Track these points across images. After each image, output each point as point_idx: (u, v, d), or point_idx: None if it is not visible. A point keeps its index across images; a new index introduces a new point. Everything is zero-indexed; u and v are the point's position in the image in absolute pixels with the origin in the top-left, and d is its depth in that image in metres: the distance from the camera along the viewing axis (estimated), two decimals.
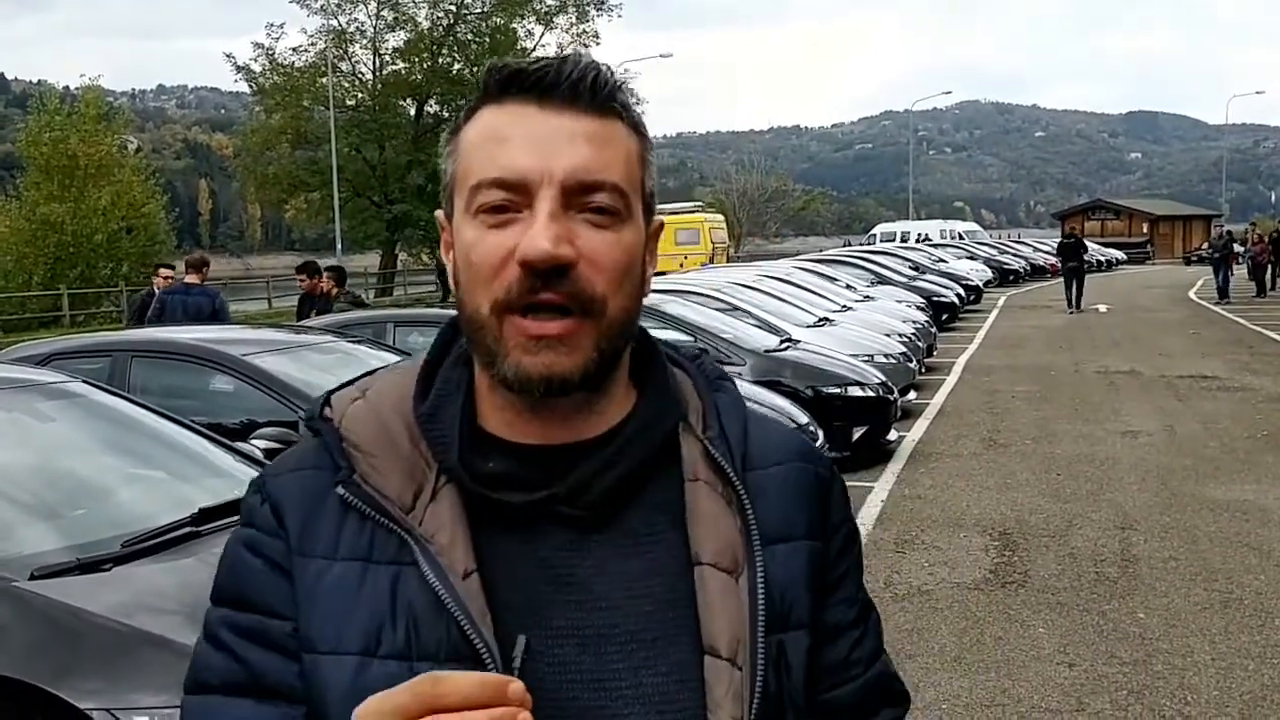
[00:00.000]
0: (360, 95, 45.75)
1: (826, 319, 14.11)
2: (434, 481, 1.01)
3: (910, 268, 27.03)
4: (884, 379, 10.61)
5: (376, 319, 9.55)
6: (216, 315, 10.47)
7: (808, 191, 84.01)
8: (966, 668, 5.41)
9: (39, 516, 3.95)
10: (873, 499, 8.74)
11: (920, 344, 15.50)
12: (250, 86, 46.10)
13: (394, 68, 46.28)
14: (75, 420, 4.62)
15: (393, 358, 6.54)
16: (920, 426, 11.81)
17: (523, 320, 0.96)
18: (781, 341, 11.04)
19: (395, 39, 45.99)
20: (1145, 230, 64.88)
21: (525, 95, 1.00)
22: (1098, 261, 43.22)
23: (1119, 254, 53.27)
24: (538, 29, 46.88)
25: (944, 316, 22.69)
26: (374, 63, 46.16)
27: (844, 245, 50.00)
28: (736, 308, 12.29)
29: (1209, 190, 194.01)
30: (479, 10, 46.16)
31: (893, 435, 10.56)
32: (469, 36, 45.96)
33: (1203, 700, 4.98)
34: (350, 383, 1.11)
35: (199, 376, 6.47)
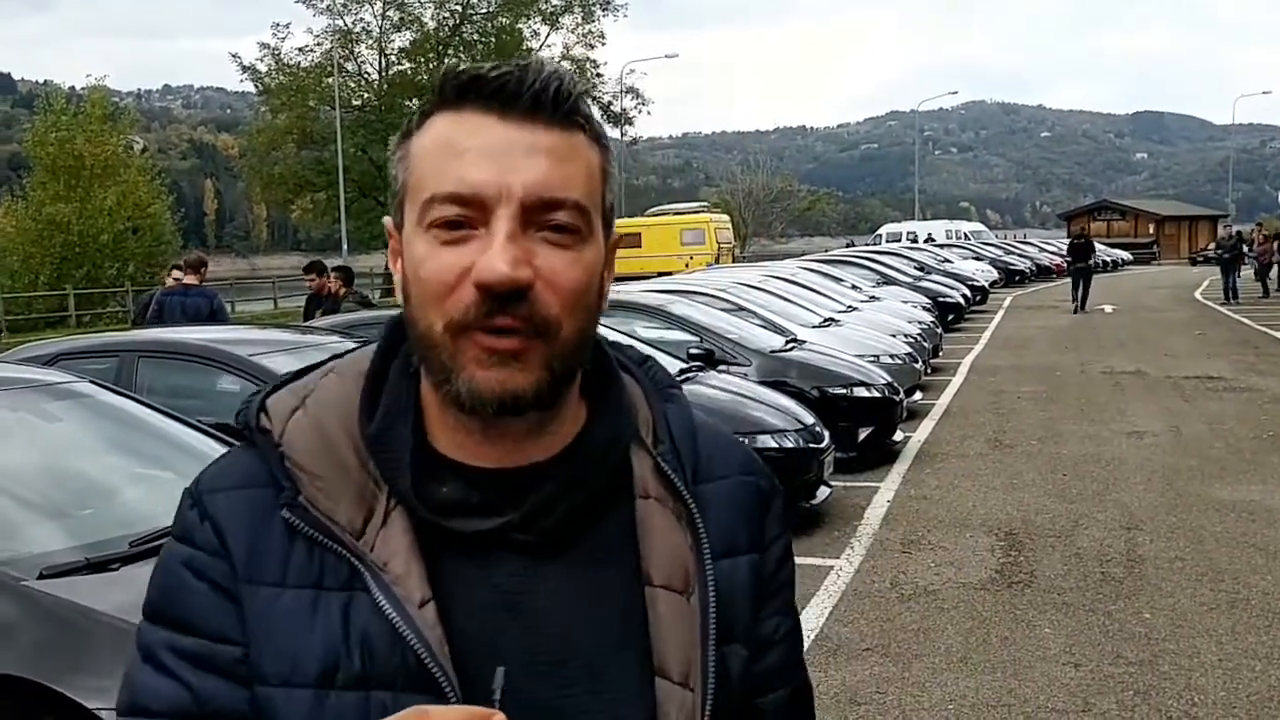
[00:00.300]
0: (366, 95, 45.85)
1: (832, 319, 14.09)
2: (385, 505, 0.98)
3: (916, 268, 27.00)
4: (890, 379, 10.60)
5: (383, 319, 9.53)
6: (215, 316, 10.46)
7: (813, 192, 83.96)
8: (973, 668, 5.41)
9: (47, 516, 3.97)
10: (879, 499, 8.74)
11: (926, 344, 15.47)
12: (256, 86, 46.23)
13: (400, 68, 46.36)
14: (82, 420, 4.63)
15: None
16: (926, 427, 11.80)
17: (478, 337, 0.93)
18: (787, 342, 11.03)
19: (401, 39, 46.16)
20: (1151, 231, 64.77)
21: (485, 104, 0.95)
22: (1103, 262, 43.13)
23: (1125, 254, 53.17)
24: (543, 29, 46.99)
25: (950, 317, 22.65)
26: (380, 63, 46.30)
27: (846, 246, 49.91)
28: (742, 308, 12.28)
29: (1215, 191, 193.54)
30: (485, 10, 46.28)
31: (899, 436, 10.55)
32: (475, 37, 46.05)
33: (1209, 701, 4.98)
34: (285, 383, 1.06)
35: (206, 377, 6.48)
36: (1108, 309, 27.10)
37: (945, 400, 13.62)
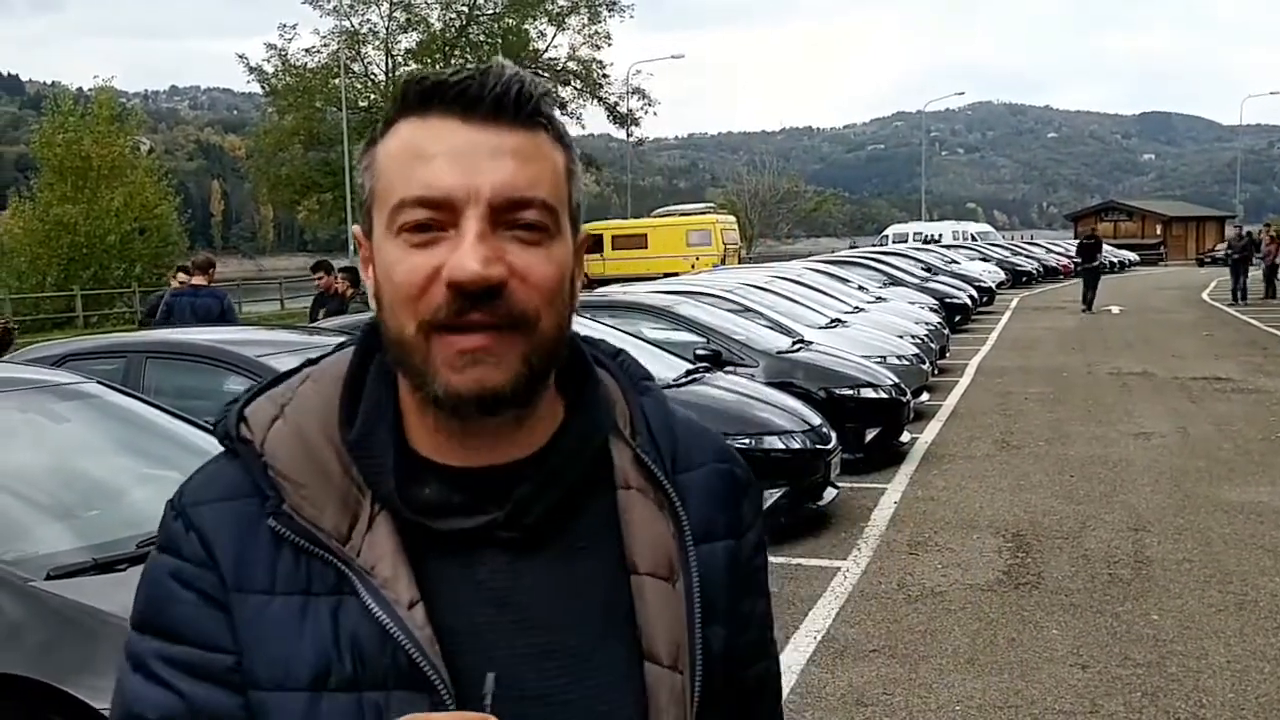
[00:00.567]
0: (373, 96, 45.83)
1: (839, 320, 14.08)
2: (369, 510, 1.00)
3: (923, 269, 26.98)
4: (897, 380, 10.59)
5: None
6: (224, 316, 10.50)
7: (820, 192, 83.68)
8: (980, 669, 5.40)
9: (54, 517, 3.98)
10: (886, 500, 8.73)
11: (933, 345, 15.46)
12: (263, 88, 46.29)
13: (406, 69, 46.30)
14: (90, 421, 4.64)
15: None
16: (933, 428, 11.79)
17: (451, 336, 0.94)
18: (794, 343, 11.02)
19: (408, 40, 46.19)
20: (1158, 231, 64.69)
21: (448, 108, 0.97)
22: (1110, 263, 43.08)
23: (1132, 255, 53.10)
24: (550, 30, 47.00)
25: (957, 318, 22.64)
26: (386, 64, 46.30)
27: (849, 247, 49.84)
28: (748, 309, 12.27)
29: (1223, 191, 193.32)
30: (491, 11, 46.29)
31: (905, 437, 10.55)
32: (481, 38, 46.06)
33: (1217, 703, 4.96)
34: (260, 391, 1.07)
35: (213, 377, 6.47)
36: (1115, 310, 27.06)
37: (952, 401, 13.61)
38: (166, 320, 10.24)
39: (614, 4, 46.60)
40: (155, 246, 36.31)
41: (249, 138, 61.58)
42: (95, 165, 35.30)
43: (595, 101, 48.16)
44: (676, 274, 23.98)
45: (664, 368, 8.24)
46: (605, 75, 48.17)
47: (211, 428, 3.98)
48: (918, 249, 34.69)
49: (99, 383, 4.89)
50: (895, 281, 23.23)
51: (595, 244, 35.41)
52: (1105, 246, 37.62)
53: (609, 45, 47.58)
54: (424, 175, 0.95)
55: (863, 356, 11.29)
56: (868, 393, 10.00)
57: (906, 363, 12.36)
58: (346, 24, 45.02)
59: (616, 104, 48.94)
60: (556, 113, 1.02)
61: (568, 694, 1.00)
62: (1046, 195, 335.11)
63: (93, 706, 2.98)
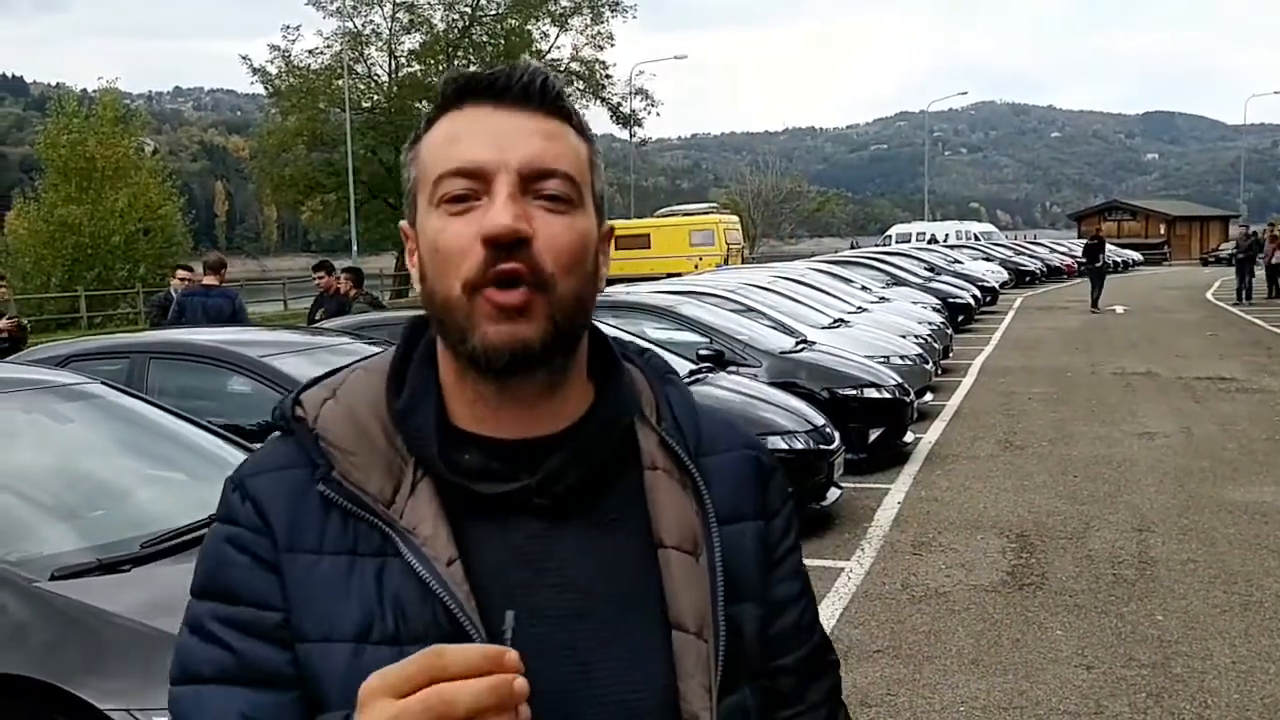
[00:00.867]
0: (376, 97, 45.81)
1: (842, 320, 14.08)
2: (412, 476, 1.07)
3: (926, 269, 26.97)
4: (900, 380, 10.58)
5: (393, 320, 9.56)
6: (235, 316, 10.52)
7: (823, 193, 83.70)
8: (984, 670, 5.40)
9: (59, 517, 3.98)
10: (889, 501, 8.73)
11: (936, 345, 15.45)
12: (266, 89, 46.20)
13: (409, 70, 46.34)
14: (94, 421, 4.65)
15: None
16: (937, 428, 11.78)
17: (490, 291, 1.02)
18: (797, 343, 11.02)
19: (411, 41, 46.08)
20: (1162, 231, 64.63)
21: (480, 98, 1.07)
22: (1114, 263, 43.03)
23: (1136, 255, 53.03)
24: (553, 30, 46.96)
25: (960, 318, 22.62)
26: (390, 65, 46.25)
27: (851, 247, 49.78)
28: (751, 309, 12.27)
29: (1226, 191, 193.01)
30: (494, 12, 46.22)
31: (909, 437, 10.54)
32: (484, 38, 45.99)
33: (1223, 704, 4.96)
34: (315, 382, 1.15)
35: (217, 378, 6.49)
36: (1119, 310, 27.04)
37: (956, 401, 13.60)
38: (178, 320, 10.26)
39: (616, 4, 46.50)
40: (159, 247, 36.35)
41: (253, 139, 61.58)
42: (100, 166, 35.38)
43: (598, 102, 48.06)
44: (679, 274, 23.97)
45: None
46: (608, 76, 48.10)
47: (216, 428, 3.98)
48: (921, 249, 34.69)
49: (103, 383, 4.89)
50: (898, 281, 23.22)
51: None
52: (1109, 246, 37.62)
53: (612, 46, 47.52)
54: (460, 152, 1.05)
55: (866, 356, 11.28)
56: (871, 393, 9.99)
57: (910, 363, 12.35)
58: (349, 25, 45.00)
59: (619, 104, 48.88)
60: (578, 108, 1.12)
61: (598, 654, 1.06)
62: (1050, 195, 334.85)
63: (97, 707, 2.98)
